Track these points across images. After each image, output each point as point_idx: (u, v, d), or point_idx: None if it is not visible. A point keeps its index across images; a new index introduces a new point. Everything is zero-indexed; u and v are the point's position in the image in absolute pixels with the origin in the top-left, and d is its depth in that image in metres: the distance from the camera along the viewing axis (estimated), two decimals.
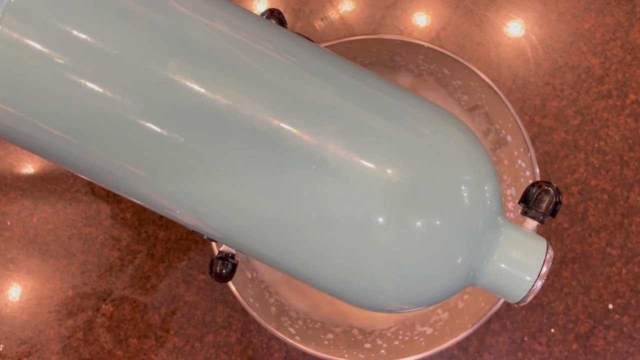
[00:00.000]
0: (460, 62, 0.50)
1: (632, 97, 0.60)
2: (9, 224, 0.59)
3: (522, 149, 0.51)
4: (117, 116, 0.30)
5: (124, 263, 0.58)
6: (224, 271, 0.37)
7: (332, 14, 0.61)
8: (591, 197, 0.59)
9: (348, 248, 0.30)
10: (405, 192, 0.30)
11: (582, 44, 0.60)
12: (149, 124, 0.30)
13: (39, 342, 0.57)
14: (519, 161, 0.51)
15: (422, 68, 0.55)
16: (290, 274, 0.34)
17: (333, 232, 0.30)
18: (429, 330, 0.53)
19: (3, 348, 0.57)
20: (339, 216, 0.30)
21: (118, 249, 0.58)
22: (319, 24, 0.61)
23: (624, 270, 0.58)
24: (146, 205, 0.34)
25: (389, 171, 0.30)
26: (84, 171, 0.33)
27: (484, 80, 0.50)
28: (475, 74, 0.50)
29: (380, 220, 0.30)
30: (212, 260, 0.37)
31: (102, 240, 0.59)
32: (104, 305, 0.58)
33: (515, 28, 0.61)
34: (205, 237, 0.35)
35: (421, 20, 0.61)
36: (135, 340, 0.58)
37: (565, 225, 0.58)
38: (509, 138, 0.52)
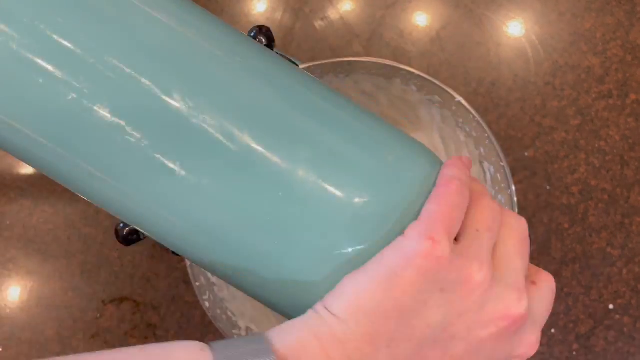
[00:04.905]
0: (449, 93, 0.49)
1: (633, 96, 0.60)
2: (8, 223, 0.59)
3: (503, 185, 0.50)
4: (84, 116, 0.29)
5: (124, 263, 0.58)
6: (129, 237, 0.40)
7: (332, 14, 0.61)
8: (592, 197, 0.58)
9: (309, 275, 0.30)
10: (371, 222, 0.30)
11: (582, 44, 0.60)
12: (114, 123, 0.29)
13: (39, 342, 0.57)
14: (499, 197, 0.51)
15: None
16: (248, 295, 0.33)
17: (296, 259, 0.30)
18: None
19: (3, 348, 0.57)
20: (303, 245, 0.30)
21: (118, 249, 0.58)
22: (319, 24, 0.61)
23: (624, 271, 0.58)
24: (105, 209, 0.33)
25: (356, 200, 0.30)
26: (56, 176, 0.32)
27: (470, 112, 0.49)
28: (463, 105, 0.49)
29: (344, 251, 0.30)
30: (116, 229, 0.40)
31: (102, 240, 0.59)
32: (104, 305, 0.58)
33: (515, 28, 0.61)
34: (171, 252, 0.35)
35: (421, 20, 0.61)
36: (135, 340, 0.58)
37: (566, 226, 0.58)
38: (491, 172, 0.51)
